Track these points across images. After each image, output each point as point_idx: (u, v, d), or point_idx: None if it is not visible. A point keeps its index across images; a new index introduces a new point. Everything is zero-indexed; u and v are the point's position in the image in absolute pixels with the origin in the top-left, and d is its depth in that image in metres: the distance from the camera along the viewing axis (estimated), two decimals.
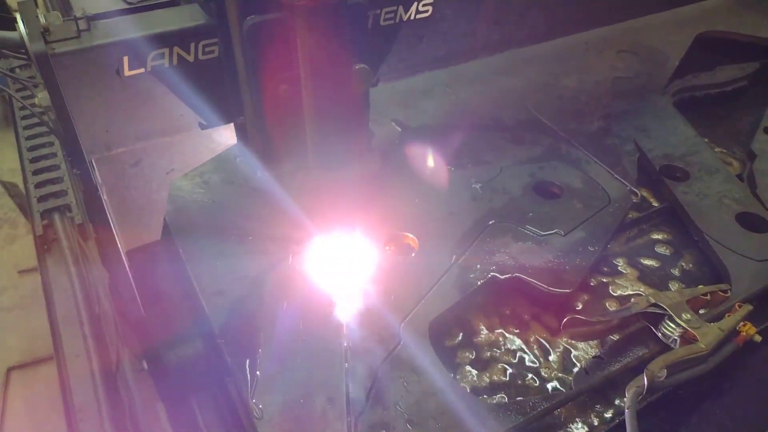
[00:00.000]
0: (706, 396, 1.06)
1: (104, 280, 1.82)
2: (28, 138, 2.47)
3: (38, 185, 2.19)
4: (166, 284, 1.28)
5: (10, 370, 2.97)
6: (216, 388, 1.13)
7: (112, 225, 1.24)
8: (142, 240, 1.24)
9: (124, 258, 1.23)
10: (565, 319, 0.99)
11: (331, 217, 1.11)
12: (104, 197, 1.20)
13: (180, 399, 1.18)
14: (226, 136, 1.38)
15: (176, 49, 0.99)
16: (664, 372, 0.92)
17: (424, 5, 1.21)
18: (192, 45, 0.99)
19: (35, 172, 2.26)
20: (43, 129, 2.51)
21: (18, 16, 0.92)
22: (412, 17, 1.21)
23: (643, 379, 0.90)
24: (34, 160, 2.34)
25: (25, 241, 3.82)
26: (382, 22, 1.16)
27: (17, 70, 2.58)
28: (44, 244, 1.98)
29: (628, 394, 0.89)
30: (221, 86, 1.08)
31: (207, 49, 1.01)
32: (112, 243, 1.29)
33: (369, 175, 1.07)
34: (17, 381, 2.92)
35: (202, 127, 1.12)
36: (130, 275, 1.25)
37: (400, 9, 1.18)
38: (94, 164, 1.17)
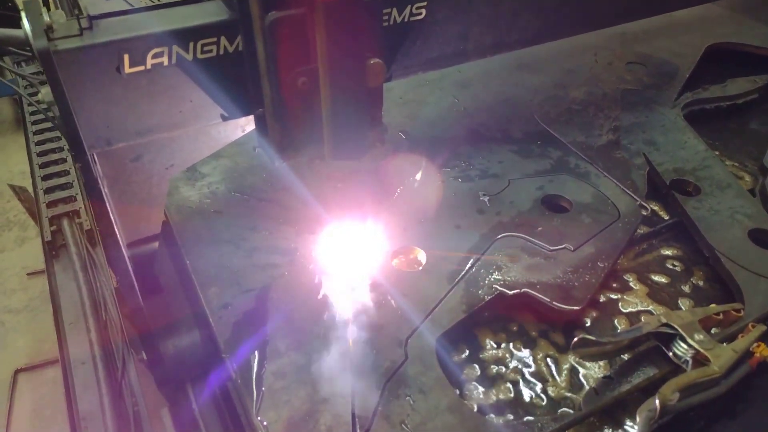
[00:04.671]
0: (718, 417, 1.04)
1: (111, 286, 1.83)
2: (38, 143, 2.49)
3: (47, 190, 2.21)
4: (164, 276, 1.30)
5: (17, 372, 2.99)
6: (221, 401, 1.13)
7: (112, 217, 1.26)
8: (141, 233, 1.25)
9: (124, 250, 1.24)
10: (575, 339, 0.98)
11: (342, 206, 1.12)
12: (105, 190, 1.21)
13: (177, 390, 1.19)
14: (225, 133, 1.39)
15: (175, 47, 1.01)
16: (677, 395, 0.90)
17: (417, 7, 1.22)
18: (191, 44, 1.02)
19: (44, 178, 2.28)
20: (53, 134, 2.54)
21: (22, 14, 0.94)
22: (405, 19, 1.21)
23: (655, 402, 0.88)
24: (43, 166, 2.36)
25: (35, 243, 3.86)
26: None
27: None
28: (52, 249, 1.99)
29: (640, 418, 0.87)
30: (222, 83, 1.10)
31: (206, 49, 1.03)
32: (112, 235, 1.30)
33: (380, 163, 1.08)
34: (24, 383, 2.95)
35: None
36: (130, 267, 1.27)
37: (394, 11, 1.19)
38: (95, 158, 1.18)
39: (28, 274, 3.67)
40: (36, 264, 3.71)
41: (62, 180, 2.27)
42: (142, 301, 1.28)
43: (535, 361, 1.10)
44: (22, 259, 3.82)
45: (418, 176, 1.45)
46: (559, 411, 1.02)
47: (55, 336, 1.77)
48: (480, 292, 1.14)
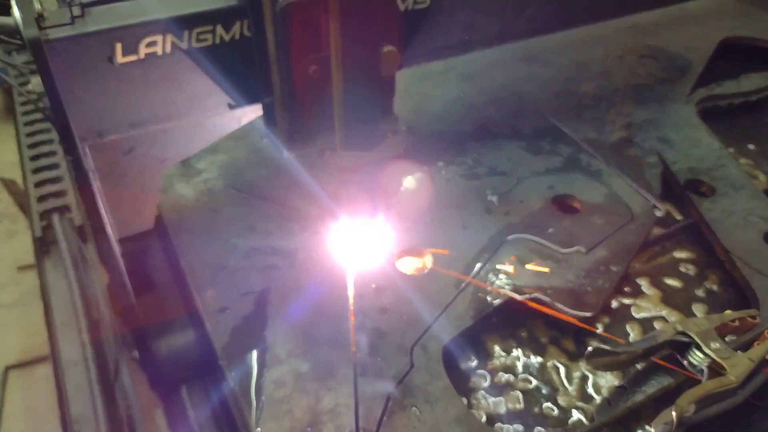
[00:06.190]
0: (731, 427, 1.01)
1: (104, 283, 1.77)
2: (29, 135, 2.41)
3: (38, 184, 2.13)
4: (157, 273, 1.26)
5: (8, 369, 2.94)
6: (218, 410, 1.08)
7: (103, 212, 1.22)
8: (134, 228, 1.21)
9: (115, 246, 1.20)
10: (588, 349, 0.94)
11: (345, 204, 1.08)
12: (96, 184, 1.17)
13: (171, 390, 1.15)
14: (220, 125, 1.34)
15: (170, 36, 0.97)
16: (693, 407, 0.87)
17: None
18: (186, 32, 0.98)
19: (35, 171, 2.21)
20: (44, 125, 2.46)
21: (13, 2, 0.90)
22: (409, 8, 1.17)
23: (671, 414, 0.84)
24: (33, 158, 2.28)
25: (25, 236, 3.77)
26: None
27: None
28: (43, 245, 1.93)
29: (656, 431, 0.84)
30: (219, 72, 1.07)
31: (201, 37, 0.99)
32: (104, 231, 1.26)
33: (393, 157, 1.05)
34: (15, 380, 2.90)
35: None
36: (121, 263, 1.22)
37: None
38: (87, 151, 1.14)
39: (18, 268, 3.60)
40: (27, 258, 3.64)
41: (53, 173, 2.19)
42: (135, 298, 1.23)
43: (545, 368, 1.06)
44: (13, 252, 3.75)
45: (424, 174, 1.40)
46: (571, 421, 0.98)
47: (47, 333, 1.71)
48: (488, 296, 1.10)
